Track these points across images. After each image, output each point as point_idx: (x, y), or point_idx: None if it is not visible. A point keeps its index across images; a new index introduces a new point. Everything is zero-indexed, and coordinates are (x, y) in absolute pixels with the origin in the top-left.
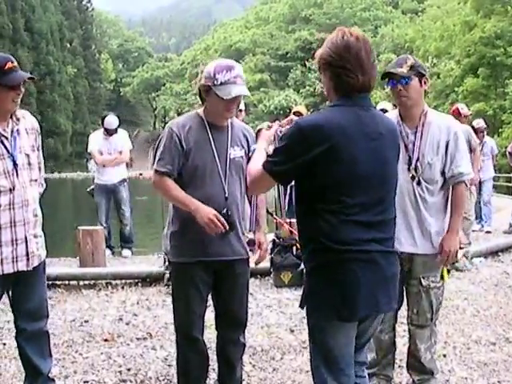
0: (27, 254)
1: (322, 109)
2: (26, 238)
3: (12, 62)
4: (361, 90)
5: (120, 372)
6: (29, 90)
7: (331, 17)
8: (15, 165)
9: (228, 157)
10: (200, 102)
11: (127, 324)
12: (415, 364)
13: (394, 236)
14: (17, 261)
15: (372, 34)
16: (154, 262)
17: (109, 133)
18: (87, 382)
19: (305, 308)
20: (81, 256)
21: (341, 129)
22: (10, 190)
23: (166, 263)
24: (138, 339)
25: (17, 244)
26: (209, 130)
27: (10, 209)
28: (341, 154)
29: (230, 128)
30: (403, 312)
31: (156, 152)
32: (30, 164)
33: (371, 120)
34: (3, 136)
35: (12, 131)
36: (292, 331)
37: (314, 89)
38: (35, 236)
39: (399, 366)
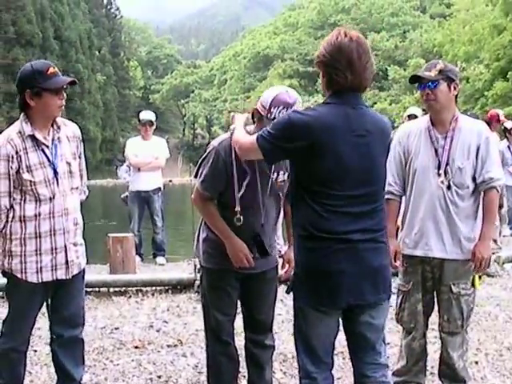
0: (66, 263)
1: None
2: (65, 246)
3: (53, 68)
4: (350, 89)
5: (151, 379)
6: None
7: (359, 22)
8: (56, 173)
9: (270, 182)
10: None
11: (158, 331)
12: (447, 371)
13: (384, 228)
14: (56, 269)
15: (400, 39)
16: (184, 269)
17: (144, 127)
18: None
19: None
20: (111, 263)
21: (327, 126)
22: (50, 198)
23: (197, 269)
24: (168, 346)
25: (56, 252)
26: None
27: (50, 217)
28: (324, 150)
29: None
30: (434, 318)
31: (200, 167)
32: (71, 172)
33: (359, 118)
34: (44, 144)
35: (53, 139)
36: None
37: None
38: (75, 244)
39: (431, 373)
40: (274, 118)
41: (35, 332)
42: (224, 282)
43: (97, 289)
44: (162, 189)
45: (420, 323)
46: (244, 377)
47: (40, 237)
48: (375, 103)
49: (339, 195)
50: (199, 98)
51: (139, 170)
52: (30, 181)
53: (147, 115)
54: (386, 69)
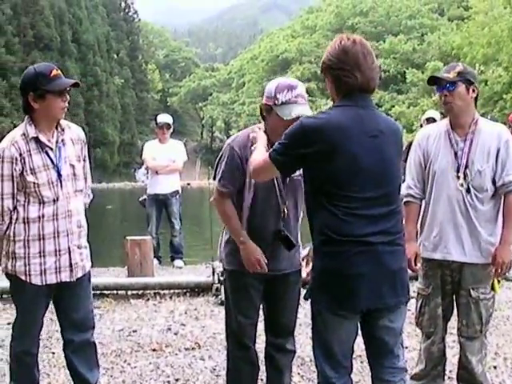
0: (70, 265)
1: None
2: (69, 248)
3: (56, 70)
4: (360, 89)
5: (168, 382)
6: (76, 100)
7: (377, 25)
8: (59, 176)
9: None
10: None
11: (175, 334)
12: (466, 376)
13: (401, 230)
14: (60, 271)
15: (418, 42)
16: (202, 272)
17: (162, 130)
18: None
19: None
20: (129, 266)
21: (340, 127)
22: (54, 200)
23: (216, 272)
24: (186, 349)
25: (60, 255)
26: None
27: (53, 219)
28: (339, 152)
29: None
30: (453, 323)
31: (217, 168)
32: (75, 175)
33: (372, 119)
34: (48, 147)
35: (57, 142)
36: None
37: None
38: (79, 247)
39: (449, 378)
40: (282, 103)
41: (53, 334)
42: (246, 283)
43: (115, 291)
44: (180, 192)
45: (439, 327)
46: (262, 380)
47: (44, 239)
48: (393, 106)
49: (355, 197)
50: (217, 100)
51: (157, 173)
52: (34, 183)
53: (164, 118)
54: (404, 72)
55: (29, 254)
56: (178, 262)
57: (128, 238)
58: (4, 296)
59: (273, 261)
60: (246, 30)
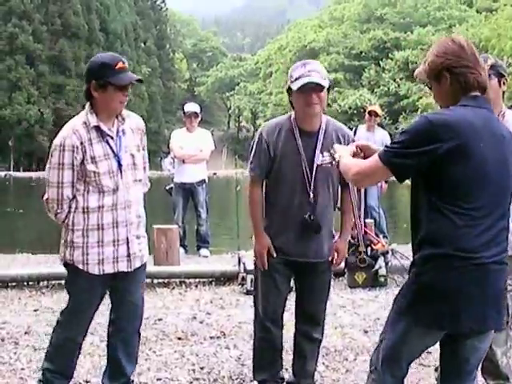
0: (128, 255)
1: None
2: (127, 238)
3: (123, 63)
4: (483, 88)
5: (193, 370)
6: None
7: (405, 16)
8: (120, 165)
9: (315, 162)
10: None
11: (201, 323)
12: (490, 368)
13: (507, 247)
14: (118, 261)
15: (446, 34)
16: (228, 261)
17: (189, 119)
18: (160, 379)
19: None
20: (155, 254)
21: (471, 127)
22: (114, 190)
23: (242, 263)
24: (211, 338)
25: (118, 245)
26: (298, 135)
27: (112, 209)
28: (469, 153)
29: (321, 133)
30: None
31: (250, 154)
32: (134, 164)
33: (496, 122)
34: (108, 136)
35: (117, 131)
36: (366, 332)
37: (388, 88)
38: (138, 237)
39: None
40: (296, 78)
41: None
42: (273, 269)
43: None
44: (207, 181)
45: None
46: (286, 370)
47: (102, 229)
48: (420, 97)
49: (478, 207)
50: (244, 90)
51: (184, 162)
52: (94, 172)
53: (192, 107)
54: None
55: (87, 243)
56: (204, 251)
57: (155, 226)
58: (30, 283)
59: (301, 247)
60: (274, 20)
